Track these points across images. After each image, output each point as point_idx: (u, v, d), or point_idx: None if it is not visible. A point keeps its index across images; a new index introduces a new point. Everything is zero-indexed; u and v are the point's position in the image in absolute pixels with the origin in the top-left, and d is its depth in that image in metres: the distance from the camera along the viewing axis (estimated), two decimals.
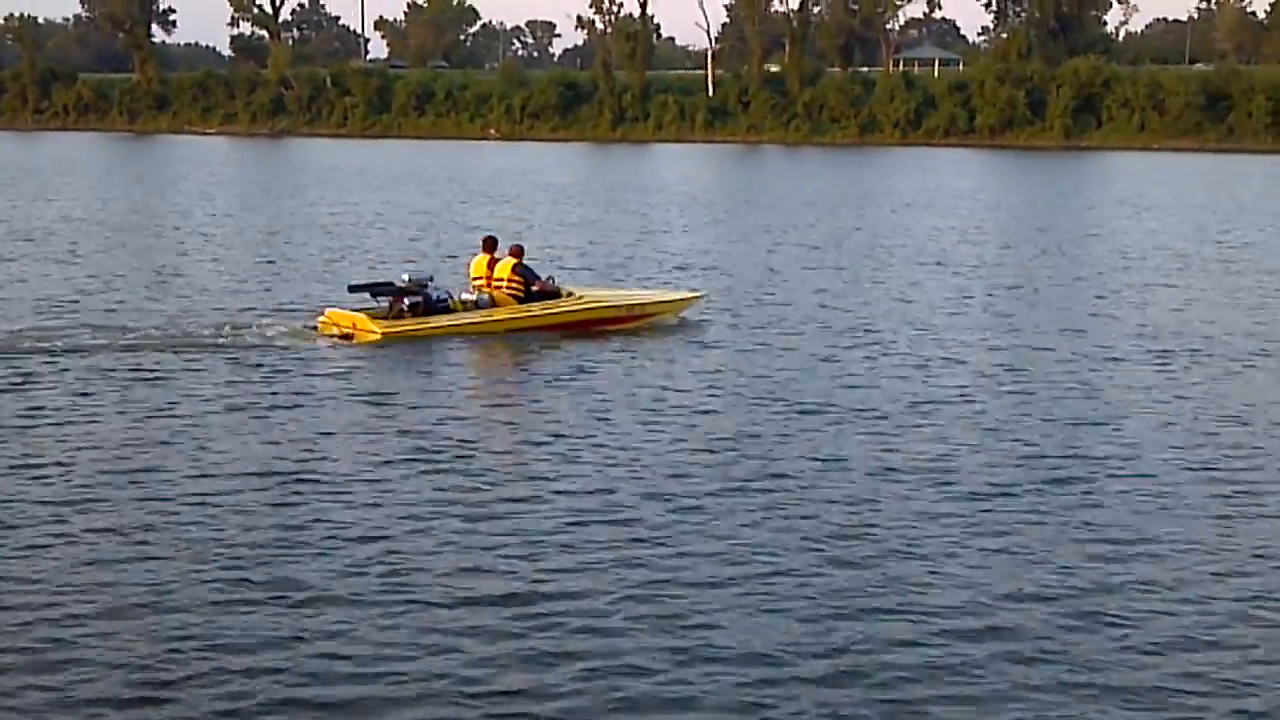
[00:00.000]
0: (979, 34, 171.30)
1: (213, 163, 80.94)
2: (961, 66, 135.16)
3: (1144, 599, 11.00)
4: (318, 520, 12.52)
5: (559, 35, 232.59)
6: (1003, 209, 52.39)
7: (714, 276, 30.23)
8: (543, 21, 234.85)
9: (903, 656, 9.82)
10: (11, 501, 12.94)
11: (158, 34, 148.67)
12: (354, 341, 21.26)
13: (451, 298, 22.47)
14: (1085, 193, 62.77)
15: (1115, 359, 21.11)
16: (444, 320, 21.94)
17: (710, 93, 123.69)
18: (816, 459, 14.86)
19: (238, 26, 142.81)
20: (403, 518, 12.62)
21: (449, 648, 9.84)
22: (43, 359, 19.60)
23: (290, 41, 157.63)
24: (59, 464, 14.22)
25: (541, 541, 12.05)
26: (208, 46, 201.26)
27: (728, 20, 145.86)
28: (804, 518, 12.79)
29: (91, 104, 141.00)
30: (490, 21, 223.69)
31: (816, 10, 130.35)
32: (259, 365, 19.58)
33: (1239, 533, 12.67)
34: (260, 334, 21.75)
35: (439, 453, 14.90)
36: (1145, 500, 13.58)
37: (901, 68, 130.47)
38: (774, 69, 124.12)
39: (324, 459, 14.68)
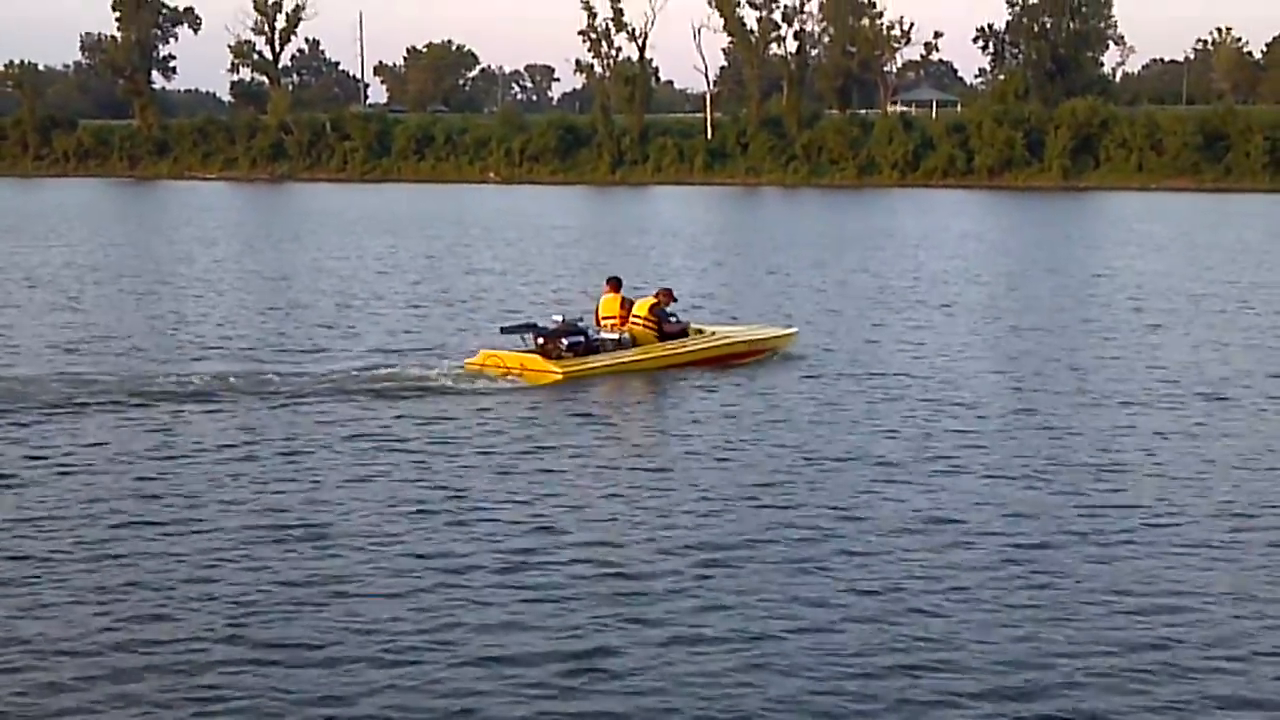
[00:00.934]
0: (976, 76, 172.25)
1: (228, 207, 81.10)
2: (959, 108, 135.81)
3: (1179, 656, 10.75)
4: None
5: (558, 79, 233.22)
6: (1008, 250, 52.37)
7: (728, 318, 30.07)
8: (541, 65, 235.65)
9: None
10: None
11: (158, 80, 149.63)
12: (527, 382, 21.73)
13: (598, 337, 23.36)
14: (1089, 233, 62.79)
15: (1135, 403, 20.83)
16: (613, 358, 22.77)
17: (709, 135, 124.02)
18: (836, 509, 14.62)
19: (238, 72, 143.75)
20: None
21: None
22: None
23: (290, 87, 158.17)
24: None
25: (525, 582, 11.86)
26: (208, 92, 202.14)
27: (726, 64, 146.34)
28: (823, 570, 12.59)
29: (92, 150, 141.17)
30: (489, 66, 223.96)
31: (814, 53, 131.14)
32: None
33: (1271, 580, 12.47)
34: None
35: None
36: (1179, 552, 13.28)
37: (899, 109, 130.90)
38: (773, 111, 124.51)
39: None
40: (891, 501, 15.00)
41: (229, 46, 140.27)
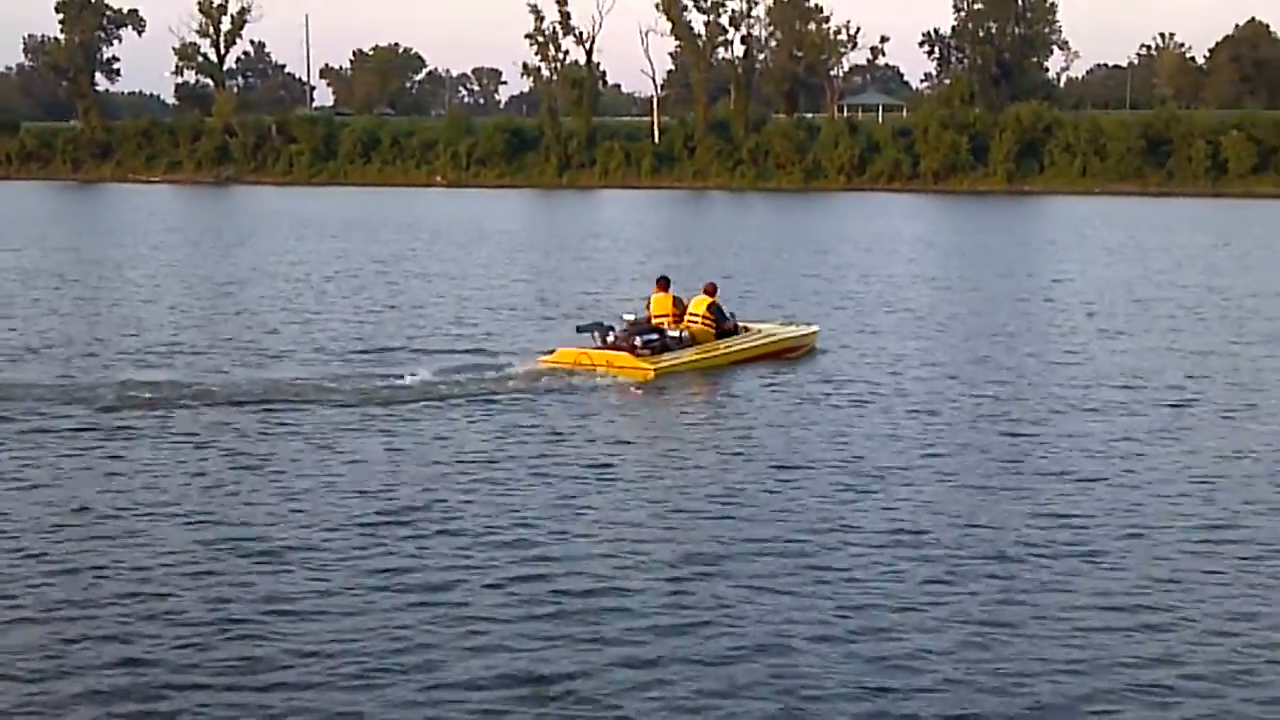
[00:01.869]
0: (922, 80, 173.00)
1: (170, 210, 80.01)
2: (905, 112, 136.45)
3: (1144, 676, 10.69)
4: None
5: (505, 83, 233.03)
6: (960, 254, 52.49)
7: None
8: (489, 69, 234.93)
9: None
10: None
11: (102, 82, 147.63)
12: (618, 377, 22.60)
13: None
14: (1037, 237, 63.15)
15: (1093, 409, 20.85)
16: (697, 354, 23.92)
17: (656, 139, 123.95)
18: (793, 523, 14.50)
19: (182, 75, 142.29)
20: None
21: None
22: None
23: (235, 89, 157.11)
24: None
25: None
26: (152, 95, 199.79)
27: (673, 67, 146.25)
28: (781, 590, 12.44)
29: (35, 153, 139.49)
30: (436, 69, 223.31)
31: (761, 57, 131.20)
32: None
33: (1250, 585, 12.43)
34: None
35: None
36: (1141, 564, 13.25)
37: (846, 114, 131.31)
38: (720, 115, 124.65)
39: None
40: (852, 512, 14.89)
41: (173, 49, 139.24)
